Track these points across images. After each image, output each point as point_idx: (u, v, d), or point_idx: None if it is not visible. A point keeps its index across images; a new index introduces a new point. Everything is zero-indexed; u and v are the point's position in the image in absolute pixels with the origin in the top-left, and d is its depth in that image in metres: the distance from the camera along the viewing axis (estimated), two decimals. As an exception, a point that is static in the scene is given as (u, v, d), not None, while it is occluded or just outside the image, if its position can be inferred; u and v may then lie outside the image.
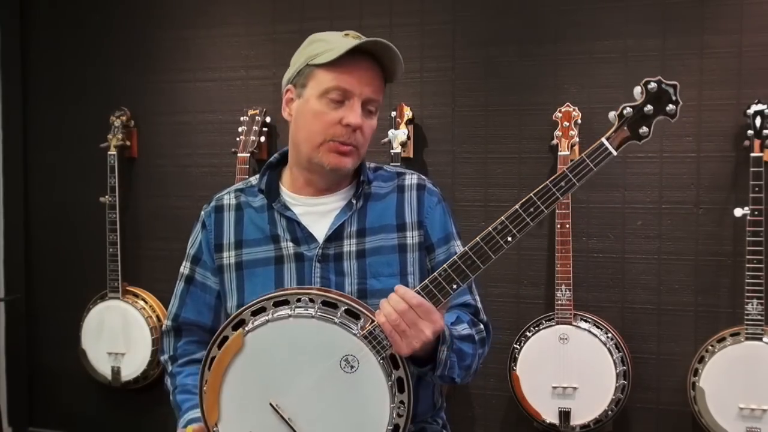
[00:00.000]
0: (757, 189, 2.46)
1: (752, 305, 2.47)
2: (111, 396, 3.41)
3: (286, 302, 1.33)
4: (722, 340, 2.55)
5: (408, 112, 2.85)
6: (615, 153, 1.29)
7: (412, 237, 1.50)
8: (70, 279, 3.49)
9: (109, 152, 3.21)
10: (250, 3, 3.20)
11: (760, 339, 2.47)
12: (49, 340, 3.56)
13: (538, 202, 1.28)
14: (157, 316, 3.21)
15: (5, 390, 3.64)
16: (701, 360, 2.56)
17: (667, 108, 1.31)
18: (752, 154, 2.47)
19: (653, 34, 2.70)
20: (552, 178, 1.28)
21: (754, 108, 2.48)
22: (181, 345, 1.59)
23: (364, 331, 1.29)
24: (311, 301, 1.32)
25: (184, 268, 1.58)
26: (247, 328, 1.31)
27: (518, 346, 2.70)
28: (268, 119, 3.04)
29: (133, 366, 3.20)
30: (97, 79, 3.41)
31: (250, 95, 3.17)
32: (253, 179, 1.58)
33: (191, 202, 3.27)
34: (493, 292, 2.90)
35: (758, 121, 2.46)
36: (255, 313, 1.33)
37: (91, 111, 3.39)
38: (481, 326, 1.53)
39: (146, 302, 3.24)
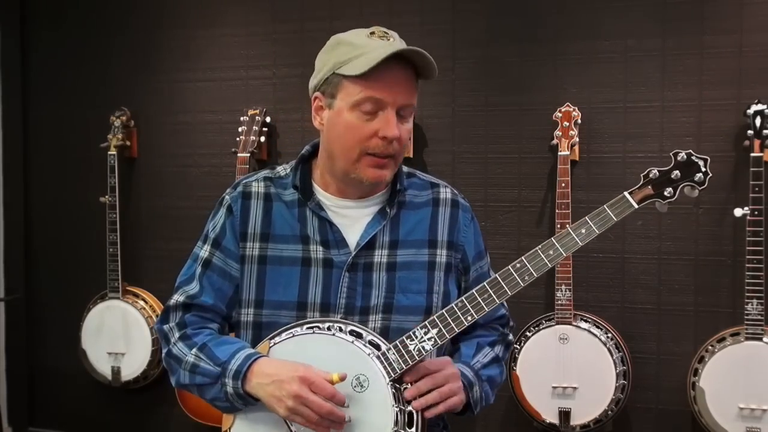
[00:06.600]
0: (757, 189, 2.46)
1: (752, 305, 2.47)
2: (111, 396, 3.41)
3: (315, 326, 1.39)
4: (722, 340, 2.55)
5: (408, 112, 2.85)
6: (636, 206, 1.37)
7: (441, 255, 1.48)
8: (70, 279, 3.49)
9: (109, 152, 3.21)
10: (250, 3, 3.20)
11: (760, 339, 2.47)
12: (49, 340, 3.56)
13: (557, 245, 1.35)
14: (157, 316, 3.21)
15: (5, 390, 3.64)
16: (701, 360, 2.56)
17: (695, 177, 1.36)
18: (752, 154, 2.47)
19: (653, 34, 2.70)
20: (574, 225, 1.35)
21: (754, 108, 2.48)
22: (189, 317, 1.48)
23: (378, 353, 1.33)
24: (340, 330, 1.36)
25: (203, 251, 1.48)
26: (273, 342, 1.38)
27: (518, 346, 2.70)
28: (268, 119, 3.03)
29: (133, 366, 3.19)
30: (97, 79, 3.41)
31: (250, 95, 3.17)
32: (281, 169, 1.51)
33: (191, 202, 3.28)
34: (493, 292, 2.89)
35: (758, 121, 2.46)
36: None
37: (91, 111, 3.39)
38: (506, 332, 1.60)
39: (146, 302, 3.24)
